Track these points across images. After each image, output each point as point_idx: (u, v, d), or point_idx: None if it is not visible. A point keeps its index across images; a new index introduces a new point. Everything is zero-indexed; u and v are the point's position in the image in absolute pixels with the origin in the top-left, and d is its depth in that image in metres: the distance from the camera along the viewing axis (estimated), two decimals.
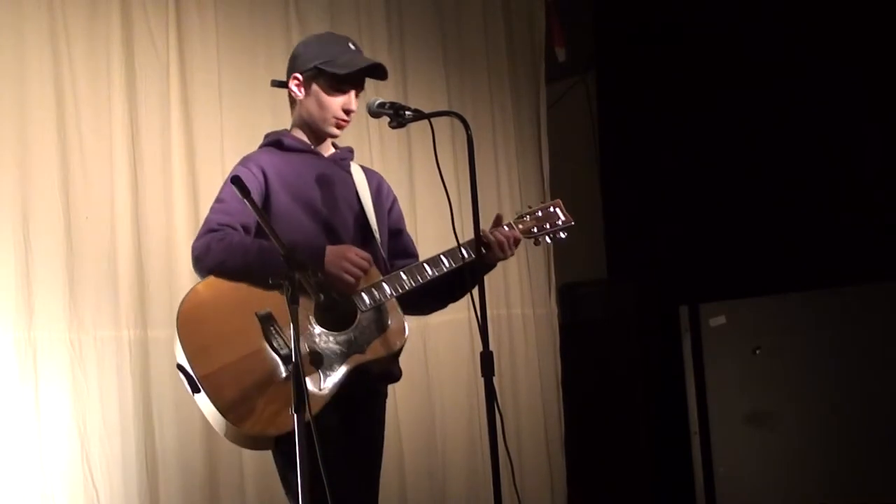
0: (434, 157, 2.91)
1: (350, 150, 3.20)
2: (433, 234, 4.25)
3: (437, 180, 2.96)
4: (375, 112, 3.01)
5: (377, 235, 3.08)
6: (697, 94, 5.38)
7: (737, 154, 5.25)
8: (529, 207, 3.25)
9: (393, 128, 3.00)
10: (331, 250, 2.88)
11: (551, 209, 3.23)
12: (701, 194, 5.35)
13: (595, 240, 5.71)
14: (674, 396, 5.11)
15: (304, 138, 3.09)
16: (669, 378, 5.13)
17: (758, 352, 4.86)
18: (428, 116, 2.92)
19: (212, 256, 2.84)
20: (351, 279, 2.86)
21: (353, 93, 3.05)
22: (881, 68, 4.86)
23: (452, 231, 2.95)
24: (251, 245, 2.85)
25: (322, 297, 2.63)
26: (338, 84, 3.02)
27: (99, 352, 3.70)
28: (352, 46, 3.07)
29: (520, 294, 5.16)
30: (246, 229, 2.90)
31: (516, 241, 3.11)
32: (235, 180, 2.58)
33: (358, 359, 2.86)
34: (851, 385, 4.62)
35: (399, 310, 2.96)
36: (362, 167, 3.22)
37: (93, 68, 3.83)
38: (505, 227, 3.11)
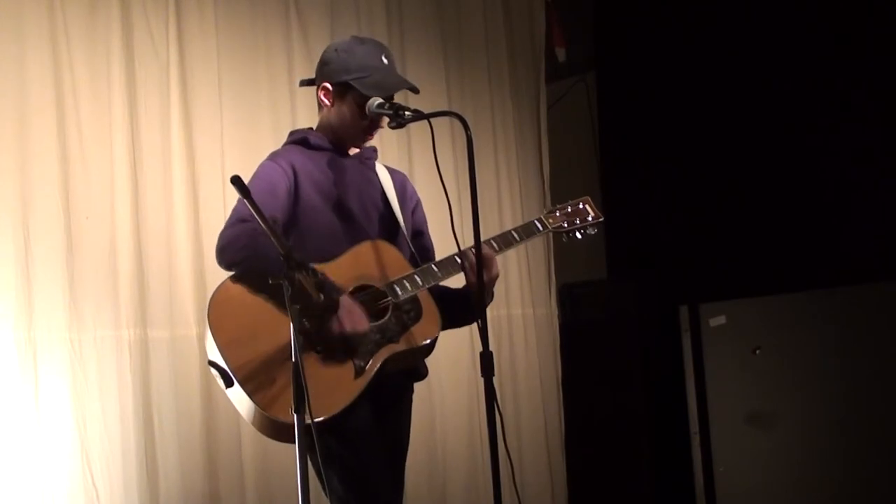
0: (434, 158, 2.91)
1: (374, 150, 3.22)
2: (432, 235, 4.23)
3: (436, 181, 2.96)
4: (375, 112, 3.01)
5: (405, 230, 3.11)
6: (698, 93, 5.38)
7: (737, 154, 5.25)
8: (559, 203, 3.31)
9: (392, 128, 3.00)
10: (346, 303, 2.81)
11: (581, 205, 3.32)
12: (701, 194, 5.36)
13: (595, 240, 5.67)
14: (674, 396, 5.11)
15: (329, 139, 3.11)
16: (669, 378, 5.13)
17: (758, 352, 4.86)
18: (427, 117, 2.91)
19: (237, 251, 2.83)
20: (338, 331, 2.78)
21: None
22: (883, 69, 4.86)
23: (452, 232, 2.96)
24: (274, 257, 2.68)
25: (322, 296, 2.62)
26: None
27: (99, 351, 3.70)
28: (384, 60, 3.05)
29: (520, 294, 5.16)
30: (273, 222, 2.88)
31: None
32: (235, 180, 2.58)
33: (392, 348, 2.87)
34: (851, 385, 4.61)
35: (434, 303, 2.98)
36: (386, 167, 3.25)
37: (93, 68, 3.83)
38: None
